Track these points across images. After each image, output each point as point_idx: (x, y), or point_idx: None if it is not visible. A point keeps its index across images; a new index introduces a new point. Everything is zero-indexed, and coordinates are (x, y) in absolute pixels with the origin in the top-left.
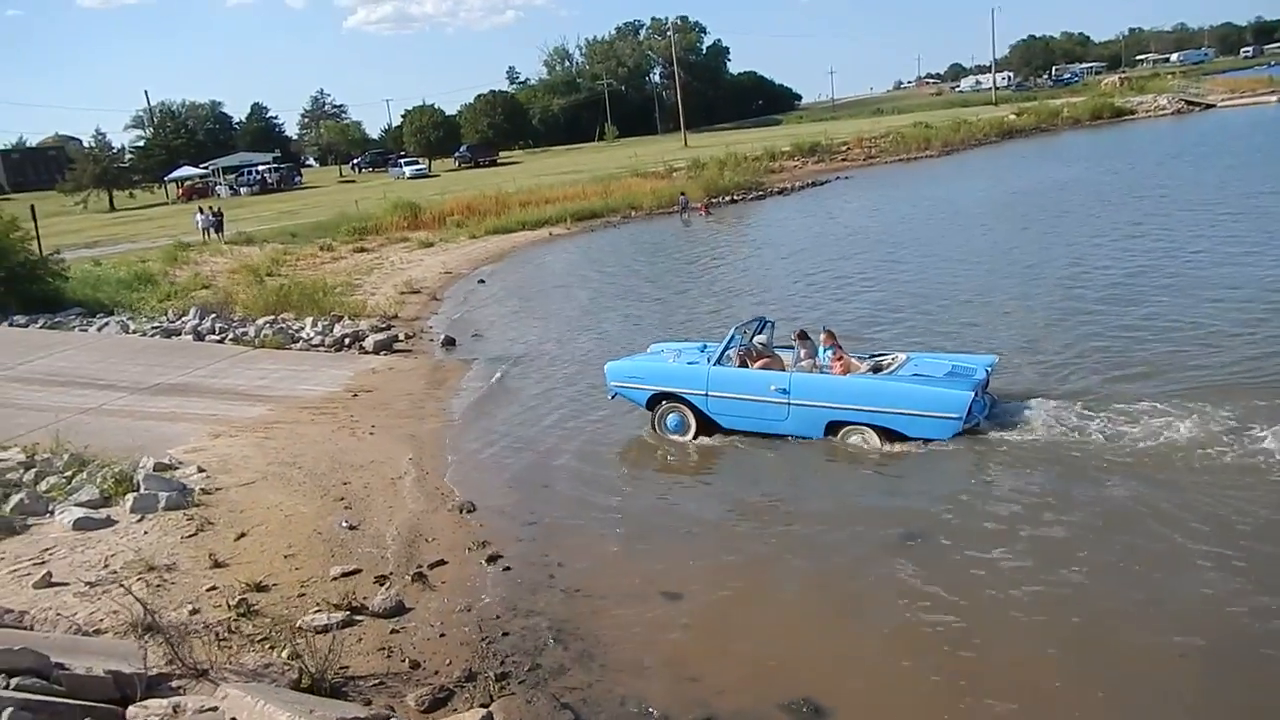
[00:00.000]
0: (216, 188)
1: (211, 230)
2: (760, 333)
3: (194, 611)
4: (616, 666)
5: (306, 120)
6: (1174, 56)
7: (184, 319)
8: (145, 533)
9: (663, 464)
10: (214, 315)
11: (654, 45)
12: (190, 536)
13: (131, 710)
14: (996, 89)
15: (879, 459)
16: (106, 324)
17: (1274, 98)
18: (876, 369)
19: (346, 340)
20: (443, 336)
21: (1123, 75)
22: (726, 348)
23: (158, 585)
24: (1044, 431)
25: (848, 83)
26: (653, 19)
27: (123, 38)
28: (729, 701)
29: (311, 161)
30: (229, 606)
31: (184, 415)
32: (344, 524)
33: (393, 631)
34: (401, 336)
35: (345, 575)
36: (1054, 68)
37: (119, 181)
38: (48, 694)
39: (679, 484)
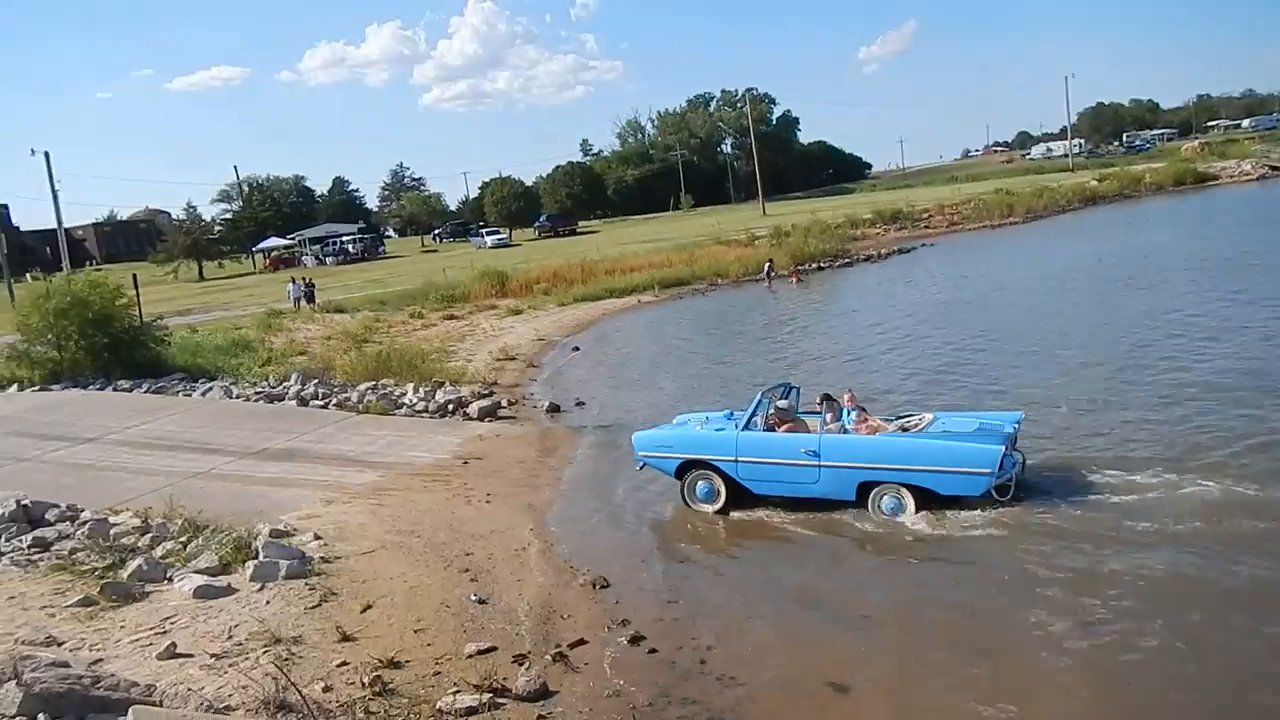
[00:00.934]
0: (302, 258)
1: (303, 300)
2: (785, 397)
3: (327, 689)
4: None
5: (387, 192)
6: (1245, 122)
7: (286, 384)
8: (267, 602)
9: (796, 538)
10: (315, 381)
11: (724, 117)
12: (314, 607)
13: None
14: (1071, 155)
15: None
16: (210, 389)
17: None
18: (903, 429)
19: (450, 406)
20: (547, 403)
21: (1202, 141)
22: (754, 413)
23: (285, 659)
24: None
25: (915, 151)
26: (722, 91)
27: (209, 118)
28: None
29: (391, 232)
30: (363, 684)
31: (294, 480)
32: (473, 597)
33: (539, 717)
34: (505, 403)
35: (481, 653)
36: (1124, 134)
37: (208, 252)
38: None
39: (822, 560)
